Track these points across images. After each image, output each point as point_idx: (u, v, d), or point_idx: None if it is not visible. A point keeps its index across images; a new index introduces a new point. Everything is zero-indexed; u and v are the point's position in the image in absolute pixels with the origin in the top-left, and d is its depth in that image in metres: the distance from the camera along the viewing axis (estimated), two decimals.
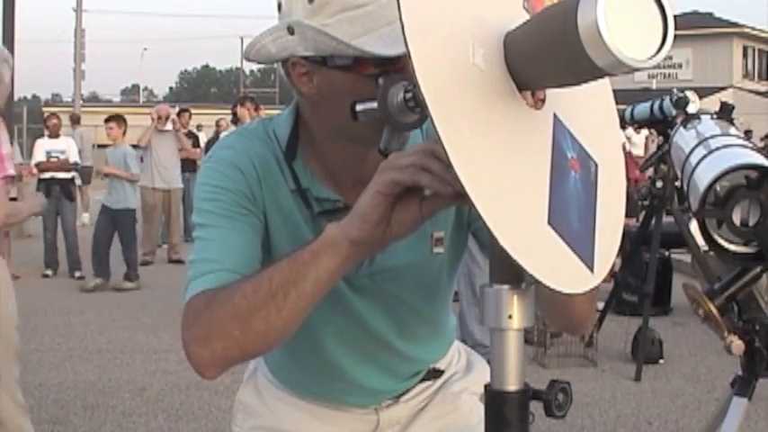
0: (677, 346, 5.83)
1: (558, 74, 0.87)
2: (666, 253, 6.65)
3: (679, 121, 2.48)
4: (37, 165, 9.07)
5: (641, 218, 5.79)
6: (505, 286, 0.92)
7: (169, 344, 5.69)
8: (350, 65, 1.14)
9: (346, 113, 1.12)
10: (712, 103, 6.56)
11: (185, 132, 10.63)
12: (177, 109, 11.60)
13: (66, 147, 9.27)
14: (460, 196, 0.94)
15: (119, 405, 4.59)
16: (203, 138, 12.70)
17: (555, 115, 0.94)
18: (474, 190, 0.81)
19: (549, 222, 0.88)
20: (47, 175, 8.98)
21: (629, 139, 11.70)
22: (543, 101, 0.93)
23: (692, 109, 4.53)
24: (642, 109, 5.22)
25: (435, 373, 1.51)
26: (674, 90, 4.96)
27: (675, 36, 0.81)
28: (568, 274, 0.89)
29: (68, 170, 9.16)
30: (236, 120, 7.89)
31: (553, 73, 0.87)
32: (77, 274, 8.67)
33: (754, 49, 37.26)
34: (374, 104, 1.06)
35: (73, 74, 26.69)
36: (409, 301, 1.37)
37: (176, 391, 4.82)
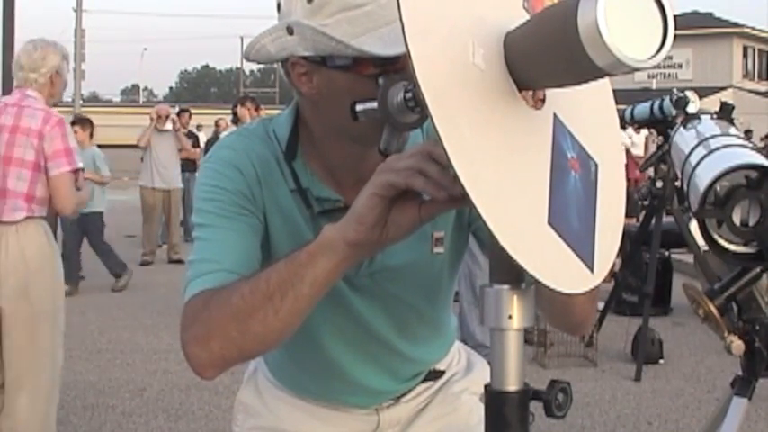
0: (677, 346, 5.83)
1: (558, 74, 0.87)
2: (666, 253, 6.65)
3: (679, 121, 2.49)
4: None
5: (641, 218, 5.79)
6: (505, 286, 0.92)
7: (169, 344, 5.69)
8: (349, 65, 1.14)
9: (346, 113, 1.12)
10: (712, 103, 6.56)
11: (185, 132, 10.63)
12: (177, 109, 11.60)
13: None
14: (457, 200, 0.95)
15: (119, 405, 4.59)
16: (203, 138, 12.71)
17: (555, 115, 0.94)
18: (474, 190, 0.81)
19: (550, 222, 0.88)
20: None
21: (629, 138, 11.70)
22: (543, 101, 0.93)
23: (692, 109, 4.53)
24: (642, 109, 5.22)
25: (436, 374, 1.51)
26: (674, 90, 4.96)
27: (675, 36, 0.81)
28: (568, 275, 0.89)
29: None
30: (236, 120, 7.87)
31: (553, 73, 0.87)
32: (78, 273, 8.67)
33: (754, 49, 37.27)
34: (374, 104, 1.06)
35: (73, 74, 26.73)
36: (410, 300, 1.36)
37: (176, 391, 4.82)
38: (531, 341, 5.19)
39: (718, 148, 2.07)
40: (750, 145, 2.11)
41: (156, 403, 4.64)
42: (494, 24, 0.89)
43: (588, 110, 1.01)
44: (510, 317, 0.92)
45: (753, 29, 36.28)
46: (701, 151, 2.10)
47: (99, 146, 8.26)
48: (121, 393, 4.79)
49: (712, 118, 2.36)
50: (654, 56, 0.80)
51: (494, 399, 0.93)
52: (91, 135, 8.03)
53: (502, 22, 0.90)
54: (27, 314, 3.21)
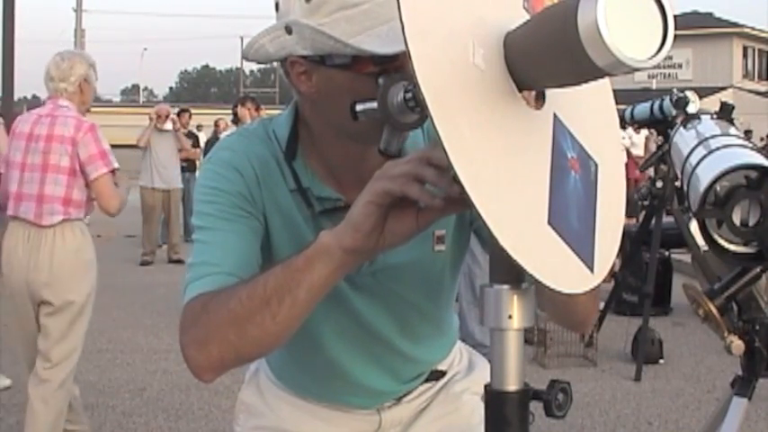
0: (677, 346, 5.83)
1: (558, 74, 0.87)
2: (666, 253, 6.65)
3: (679, 121, 2.48)
4: None
5: (641, 218, 5.79)
6: (505, 286, 0.92)
7: (169, 344, 5.69)
8: (348, 63, 1.14)
9: (346, 112, 1.12)
10: (712, 103, 6.56)
11: (185, 132, 10.63)
12: (177, 109, 11.60)
13: None
14: (455, 204, 0.95)
15: (119, 405, 4.59)
16: (203, 138, 12.70)
17: (555, 115, 0.94)
18: (474, 190, 0.81)
19: (550, 222, 0.88)
20: None
21: (629, 138, 11.69)
22: (543, 101, 0.93)
23: (692, 109, 4.53)
24: (642, 109, 5.22)
25: (437, 374, 1.51)
26: (674, 90, 4.96)
27: (675, 36, 0.81)
28: (568, 275, 0.89)
29: None
30: (236, 120, 7.86)
31: (553, 73, 0.87)
32: None
33: (754, 49, 37.27)
34: (374, 104, 1.06)
35: None
36: (411, 299, 1.36)
37: (176, 391, 4.82)
38: (531, 341, 5.19)
39: (718, 148, 2.07)
40: (750, 145, 2.11)
41: (156, 403, 4.64)
42: (494, 24, 0.89)
43: (588, 110, 1.01)
44: (510, 317, 0.92)
45: (753, 29, 36.27)
46: (701, 151, 2.10)
47: None
48: (121, 393, 4.79)
49: (712, 118, 2.36)
50: (654, 56, 0.80)
51: (494, 399, 0.93)
52: None
53: (502, 23, 0.90)
54: (64, 311, 3.42)
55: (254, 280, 1.09)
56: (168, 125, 9.42)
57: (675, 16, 0.82)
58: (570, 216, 0.91)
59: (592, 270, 0.92)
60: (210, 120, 14.00)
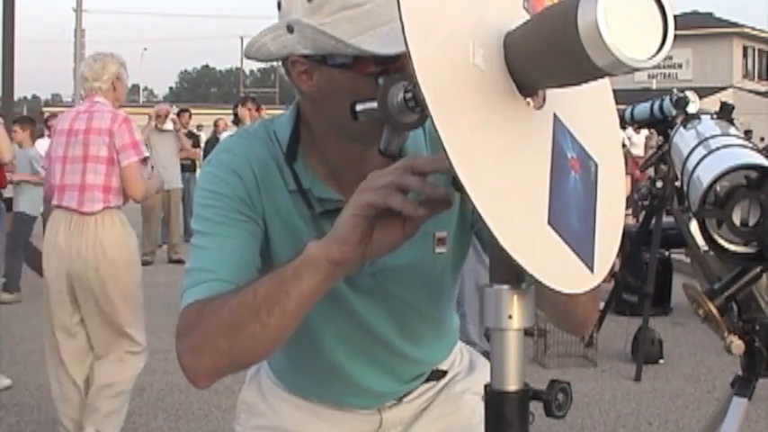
0: (677, 346, 5.83)
1: (558, 74, 0.87)
2: (666, 253, 6.65)
3: (679, 121, 2.48)
4: None
5: (641, 218, 5.79)
6: (505, 286, 0.92)
7: (169, 344, 5.64)
8: (349, 63, 1.14)
9: (346, 111, 1.12)
10: (712, 103, 6.56)
11: (185, 132, 10.62)
12: (177, 109, 11.60)
13: None
14: (437, 206, 0.98)
15: None
16: (204, 138, 12.70)
17: (555, 115, 0.94)
18: (474, 190, 0.81)
19: (550, 222, 0.88)
20: None
21: (629, 138, 11.69)
22: (543, 101, 0.93)
23: (692, 109, 4.53)
24: (642, 109, 5.21)
25: (438, 374, 1.51)
26: (674, 90, 4.96)
27: (675, 36, 0.81)
28: (568, 275, 0.89)
29: None
30: (237, 120, 7.85)
31: (553, 73, 0.87)
32: None
33: (754, 49, 37.26)
34: (374, 104, 1.06)
35: (73, 74, 26.68)
36: (411, 301, 1.36)
37: (176, 391, 4.82)
38: (530, 333, 5.16)
39: (718, 148, 2.07)
40: (750, 145, 2.11)
41: (156, 403, 4.64)
42: (494, 24, 0.89)
43: (588, 110, 1.01)
44: (510, 317, 0.92)
45: (753, 29, 36.27)
46: (700, 151, 2.10)
47: None
48: None
49: (712, 118, 2.36)
50: (654, 56, 0.80)
51: (494, 399, 0.93)
52: (31, 135, 7.70)
53: (502, 23, 0.90)
54: (109, 295, 3.64)
55: (245, 289, 1.10)
56: (169, 125, 9.42)
57: (675, 16, 0.82)
58: (570, 216, 0.91)
59: (592, 270, 0.92)
60: (210, 120, 14.00)
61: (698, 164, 2.05)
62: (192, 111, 12.51)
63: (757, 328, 1.97)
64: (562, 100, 0.94)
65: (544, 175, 0.89)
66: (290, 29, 1.15)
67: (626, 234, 3.32)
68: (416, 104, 1.01)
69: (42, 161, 4.04)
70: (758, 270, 1.97)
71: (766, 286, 2.04)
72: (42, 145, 9.27)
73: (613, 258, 0.98)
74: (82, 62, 3.95)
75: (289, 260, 1.10)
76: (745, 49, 36.50)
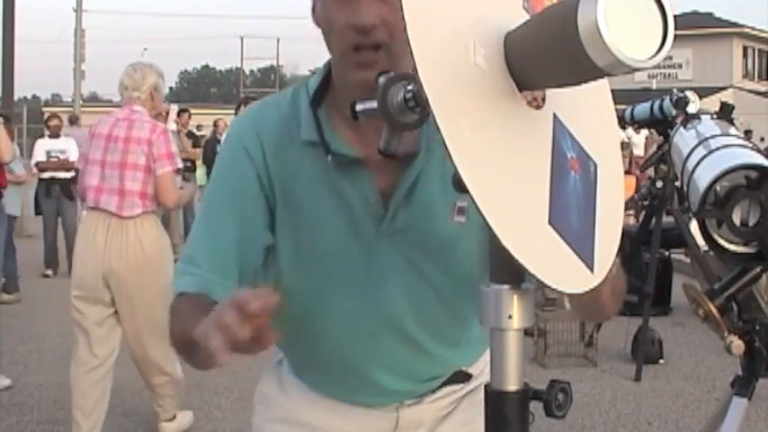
0: (677, 346, 5.83)
1: (558, 74, 0.87)
2: (666, 253, 6.65)
3: (679, 121, 2.48)
4: (37, 164, 9.06)
5: (641, 218, 5.79)
6: (505, 286, 0.92)
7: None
8: None
9: (346, 44, 1.19)
10: (712, 103, 6.56)
11: (186, 132, 10.62)
12: (177, 108, 11.59)
13: (66, 147, 9.26)
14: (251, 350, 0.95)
15: (119, 405, 4.58)
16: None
17: (555, 115, 0.94)
18: (476, 190, 0.81)
19: (550, 222, 0.88)
20: (47, 174, 8.97)
21: (629, 138, 11.69)
22: (543, 101, 0.93)
23: (692, 109, 4.53)
24: (642, 109, 5.21)
25: (463, 377, 1.46)
26: (674, 90, 4.95)
27: (675, 36, 0.81)
28: (569, 274, 0.89)
29: (68, 170, 9.15)
30: None
31: (553, 73, 0.87)
32: None
33: (754, 49, 37.25)
34: (374, 104, 1.06)
35: (73, 74, 26.67)
36: (428, 272, 1.32)
37: None
38: (530, 333, 5.16)
39: (718, 148, 2.07)
40: (750, 145, 2.11)
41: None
42: (494, 24, 0.89)
43: (588, 110, 1.01)
44: (510, 317, 0.92)
45: (753, 29, 36.25)
46: (700, 151, 2.10)
47: None
48: (121, 393, 4.79)
49: (712, 118, 2.36)
50: (654, 56, 0.80)
51: (494, 399, 0.93)
52: (9, 134, 7.72)
53: (502, 22, 0.90)
54: (146, 293, 3.79)
55: (184, 319, 1.17)
56: (172, 125, 9.40)
57: (675, 16, 0.82)
58: (570, 216, 0.91)
59: (592, 270, 0.92)
60: (210, 120, 14.00)
61: (698, 164, 2.05)
62: (192, 111, 12.49)
63: (757, 328, 1.97)
64: (562, 100, 0.94)
65: (544, 176, 0.89)
66: None
67: (626, 234, 3.31)
68: (416, 104, 1.01)
69: (76, 162, 4.15)
70: (758, 270, 1.98)
71: (766, 286, 2.04)
72: (42, 145, 9.30)
73: (613, 258, 0.98)
74: (123, 70, 4.06)
75: (306, 218, 1.26)
76: (745, 49, 36.49)
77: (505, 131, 0.88)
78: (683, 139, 2.28)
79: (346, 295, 1.32)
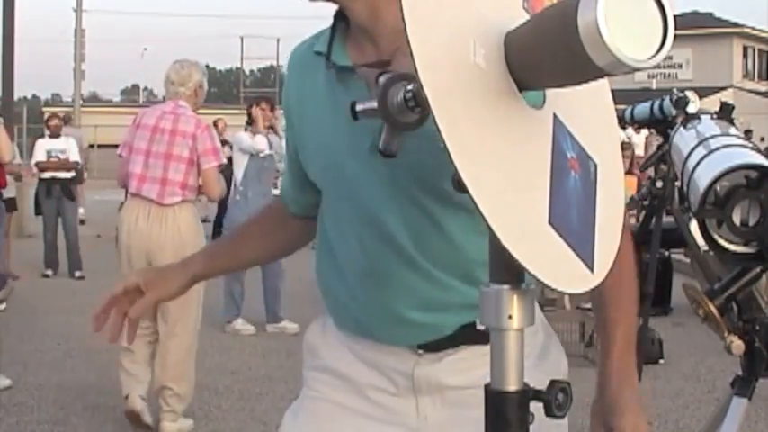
0: (677, 346, 5.83)
1: (558, 74, 0.87)
2: (666, 253, 6.65)
3: (679, 121, 2.49)
4: (37, 164, 9.07)
5: (641, 218, 5.78)
6: (505, 286, 0.92)
7: None
8: None
9: None
10: (712, 103, 6.55)
11: None
12: None
13: (66, 146, 9.27)
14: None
15: (119, 405, 4.58)
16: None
17: (555, 115, 0.94)
18: (476, 189, 0.81)
19: (550, 222, 0.88)
20: (47, 174, 8.98)
21: (629, 138, 11.69)
22: (543, 101, 0.93)
23: (692, 109, 4.52)
24: (642, 109, 5.21)
25: (481, 336, 1.39)
26: (674, 90, 4.94)
27: (675, 36, 0.81)
28: (569, 274, 0.89)
29: (69, 170, 9.16)
30: (250, 121, 7.85)
31: (553, 73, 0.87)
32: (78, 273, 8.68)
33: (754, 49, 37.26)
34: (374, 104, 1.06)
35: (73, 74, 26.66)
36: (421, 200, 1.32)
37: None
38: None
39: (718, 148, 2.07)
40: (750, 145, 2.11)
41: (156, 402, 4.64)
42: (494, 24, 0.89)
43: (587, 110, 1.01)
44: (510, 317, 0.92)
45: (753, 29, 36.25)
46: (700, 151, 2.10)
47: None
48: (121, 394, 4.79)
49: (712, 118, 2.36)
50: (654, 56, 0.80)
51: (494, 399, 0.93)
52: None
53: (502, 22, 0.90)
54: None
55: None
56: None
57: (675, 16, 0.82)
58: (570, 216, 0.91)
59: (592, 270, 0.92)
60: (210, 120, 13.99)
61: (698, 164, 2.05)
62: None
63: (757, 328, 1.97)
64: (562, 100, 0.94)
65: (544, 175, 0.89)
66: None
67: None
68: (416, 104, 1.01)
69: (119, 150, 4.34)
70: (758, 270, 1.98)
71: (766, 286, 2.05)
72: (42, 144, 9.31)
73: (613, 258, 0.98)
74: (170, 66, 4.30)
75: (313, 134, 1.39)
76: (745, 49, 36.49)
77: (506, 131, 0.88)
78: (683, 139, 2.28)
79: (350, 215, 1.38)
